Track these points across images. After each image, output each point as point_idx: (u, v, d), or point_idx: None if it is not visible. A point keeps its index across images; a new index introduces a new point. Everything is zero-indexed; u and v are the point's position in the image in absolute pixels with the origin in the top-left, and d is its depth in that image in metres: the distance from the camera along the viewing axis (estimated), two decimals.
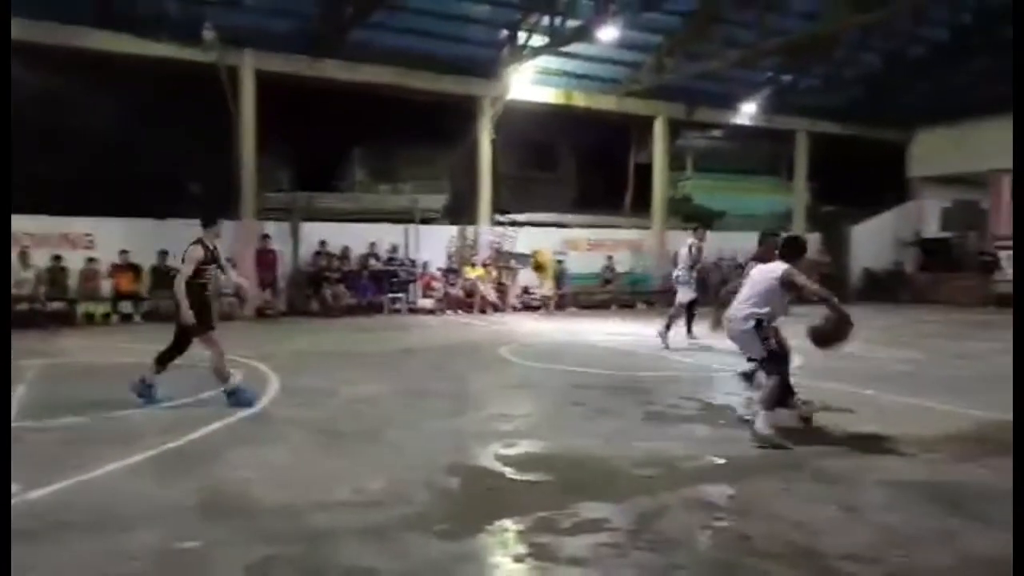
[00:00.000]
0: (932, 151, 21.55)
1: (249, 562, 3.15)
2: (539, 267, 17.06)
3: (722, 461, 4.75)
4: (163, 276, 14.11)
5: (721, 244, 20.30)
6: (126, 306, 13.60)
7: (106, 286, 13.64)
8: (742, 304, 5.49)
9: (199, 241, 6.24)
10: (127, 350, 8.52)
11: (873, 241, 21.76)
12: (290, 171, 18.85)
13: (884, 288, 20.38)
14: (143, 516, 3.68)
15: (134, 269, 13.83)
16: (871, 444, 5.22)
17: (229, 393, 6.23)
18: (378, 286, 16.01)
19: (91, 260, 13.63)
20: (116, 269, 13.64)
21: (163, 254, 14.13)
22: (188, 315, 6.05)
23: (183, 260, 6.20)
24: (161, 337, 8.96)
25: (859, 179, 21.65)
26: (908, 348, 8.95)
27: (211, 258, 6.28)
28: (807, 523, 3.64)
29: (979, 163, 19.94)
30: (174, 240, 14.26)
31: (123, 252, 13.71)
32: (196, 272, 6.12)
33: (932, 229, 22.22)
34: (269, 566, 3.13)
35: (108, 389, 7.13)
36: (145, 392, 6.25)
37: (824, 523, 3.66)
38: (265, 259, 15.15)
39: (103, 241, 13.92)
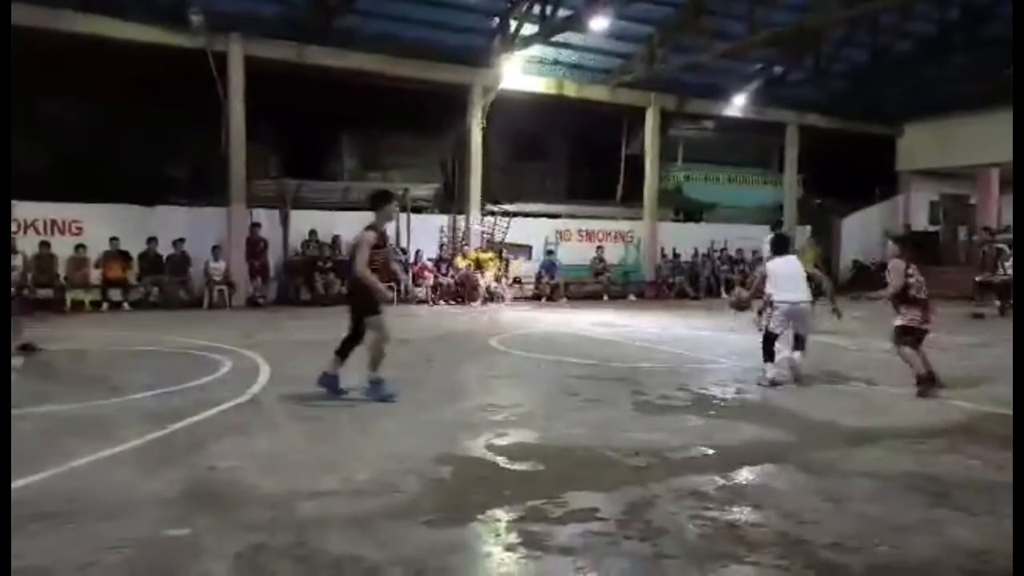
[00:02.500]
0: (920, 145, 21.67)
1: (238, 550, 3.14)
2: (479, 264, 16.39)
3: (711, 451, 4.77)
4: (152, 263, 14.06)
5: (713, 236, 20.40)
6: (115, 294, 13.53)
7: (95, 273, 13.54)
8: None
9: (372, 226, 6.18)
10: (115, 338, 8.47)
11: (862, 234, 21.87)
12: (279, 158, 18.71)
13: (872, 280, 20.47)
14: (129, 505, 3.66)
15: (123, 256, 13.73)
16: (858, 435, 5.25)
17: (372, 382, 6.13)
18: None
19: (80, 247, 13.51)
20: (105, 256, 13.54)
21: (152, 241, 14.04)
22: (385, 293, 6.14)
23: (355, 246, 6.15)
24: (150, 324, 8.95)
25: (849, 172, 21.76)
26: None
27: (382, 242, 6.27)
28: (794, 513, 3.66)
29: (967, 158, 20.07)
30: (163, 227, 14.28)
31: (112, 239, 13.61)
32: (369, 257, 6.06)
33: (921, 223, 22.35)
34: (258, 554, 3.12)
35: (94, 377, 7.09)
36: (330, 383, 6.17)
37: (811, 513, 3.68)
38: (255, 247, 15.08)
39: (92, 228, 13.81)
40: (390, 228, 16.36)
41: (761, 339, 7.21)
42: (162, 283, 14.06)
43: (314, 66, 15.21)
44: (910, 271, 6.89)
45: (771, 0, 14.72)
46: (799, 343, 7.20)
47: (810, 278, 7.44)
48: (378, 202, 6.35)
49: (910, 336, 6.81)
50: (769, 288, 7.15)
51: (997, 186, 20.45)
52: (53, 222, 13.66)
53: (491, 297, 16.28)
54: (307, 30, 14.53)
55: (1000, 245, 16.64)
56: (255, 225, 15.14)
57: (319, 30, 14.56)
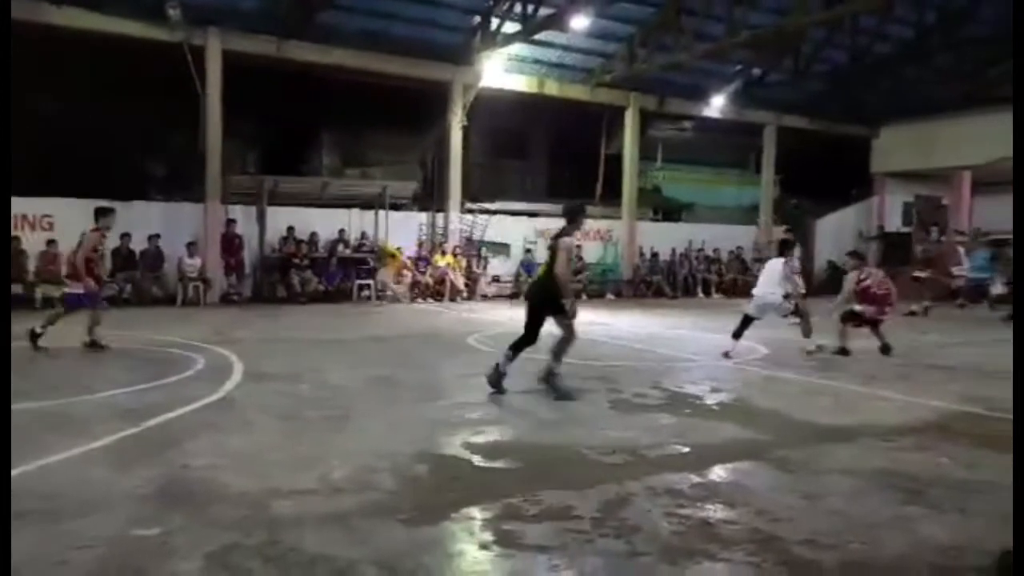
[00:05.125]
0: (895, 147, 21.97)
1: (209, 549, 3.10)
2: (387, 259, 16.12)
3: (686, 449, 4.80)
4: (126, 259, 13.87)
5: (691, 235, 20.53)
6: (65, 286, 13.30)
7: (66, 269, 13.31)
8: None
9: (567, 233, 6.52)
10: (72, 335, 8.36)
11: (837, 235, 22.11)
12: (257, 154, 18.55)
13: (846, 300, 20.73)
14: (100, 503, 3.61)
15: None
16: (832, 433, 5.31)
17: (553, 375, 6.39)
18: (346, 273, 15.89)
19: (51, 242, 13.30)
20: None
21: (126, 236, 13.86)
22: (574, 308, 6.40)
23: (556, 250, 6.38)
24: (122, 321, 8.83)
25: (825, 173, 21.99)
26: (867, 339, 9.12)
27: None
28: (769, 510, 3.69)
29: (941, 160, 20.38)
30: (138, 223, 14.08)
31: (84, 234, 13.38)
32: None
33: (894, 224, 22.65)
34: (230, 553, 3.08)
35: (65, 374, 6.99)
36: (498, 379, 6.42)
37: (785, 510, 3.71)
38: (230, 243, 14.95)
39: (63, 223, 13.59)
40: (368, 225, 16.43)
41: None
42: (135, 279, 13.88)
43: (294, 61, 15.10)
44: (863, 277, 8.91)
45: (751, 1, 14.84)
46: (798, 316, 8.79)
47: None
48: (576, 213, 6.80)
49: (856, 319, 8.92)
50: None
51: (969, 188, 20.78)
52: (24, 216, 13.44)
53: (463, 295, 16.27)
54: (287, 25, 14.41)
55: (966, 247, 16.97)
56: (231, 221, 15.00)
57: (299, 25, 14.45)
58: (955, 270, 16.92)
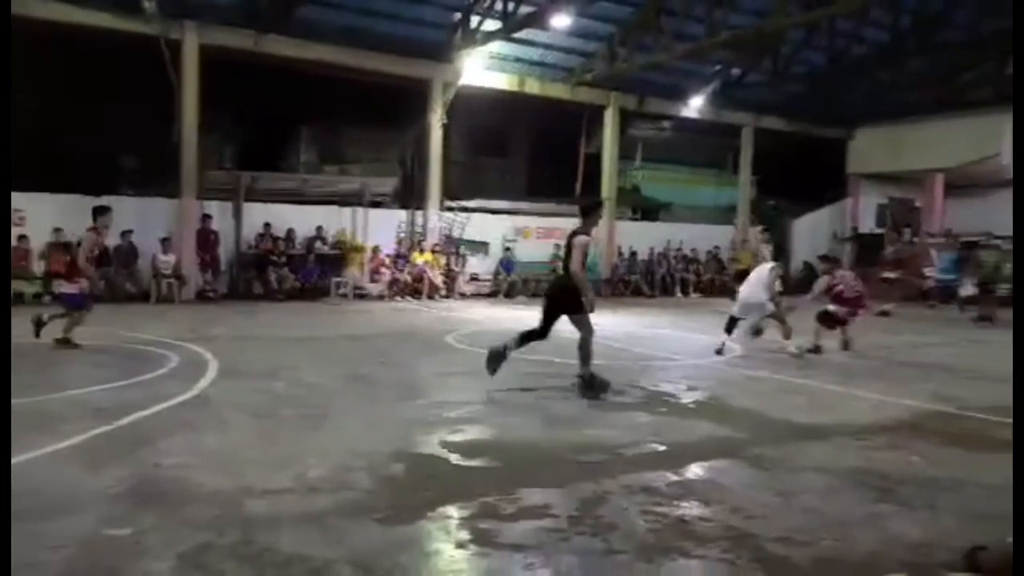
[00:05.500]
0: (870, 150, 22.26)
1: (182, 549, 3.07)
2: (347, 256, 16.00)
3: (663, 448, 4.83)
4: (98, 256, 13.63)
5: (669, 235, 20.64)
6: (59, 286, 13.09)
7: (38, 265, 13.11)
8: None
9: (584, 231, 6.52)
10: (58, 331, 8.22)
11: (813, 235, 22.35)
12: (233, 150, 18.35)
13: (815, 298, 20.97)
14: (70, 503, 3.56)
15: (67, 247, 13.30)
16: (806, 431, 5.38)
17: (584, 378, 6.39)
18: (324, 270, 15.79)
19: (22, 238, 13.08)
20: (49, 247, 13.12)
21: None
22: (593, 303, 6.50)
23: (572, 248, 6.43)
24: (95, 318, 8.70)
25: (801, 175, 22.22)
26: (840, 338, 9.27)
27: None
28: (743, 508, 3.73)
29: (914, 162, 20.67)
30: (111, 218, 13.81)
31: (56, 229, 13.19)
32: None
33: (868, 225, 22.93)
34: (203, 553, 3.06)
35: (38, 372, 6.87)
36: (498, 359, 6.53)
37: (759, 508, 3.75)
38: (206, 240, 14.79)
39: (35, 218, 13.37)
40: (347, 222, 16.34)
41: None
42: (108, 276, 13.67)
43: (272, 56, 14.95)
44: (835, 283, 9.28)
45: (730, 3, 14.94)
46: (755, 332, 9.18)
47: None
48: (593, 209, 6.86)
49: (829, 319, 9.25)
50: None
51: (941, 191, 21.10)
52: None
53: (442, 294, 16.24)
54: (266, 19, 14.26)
55: (939, 249, 17.26)
56: (206, 217, 14.84)
57: (278, 19, 14.31)
58: (927, 271, 17.22)
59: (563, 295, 6.54)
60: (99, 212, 8.47)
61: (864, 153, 22.49)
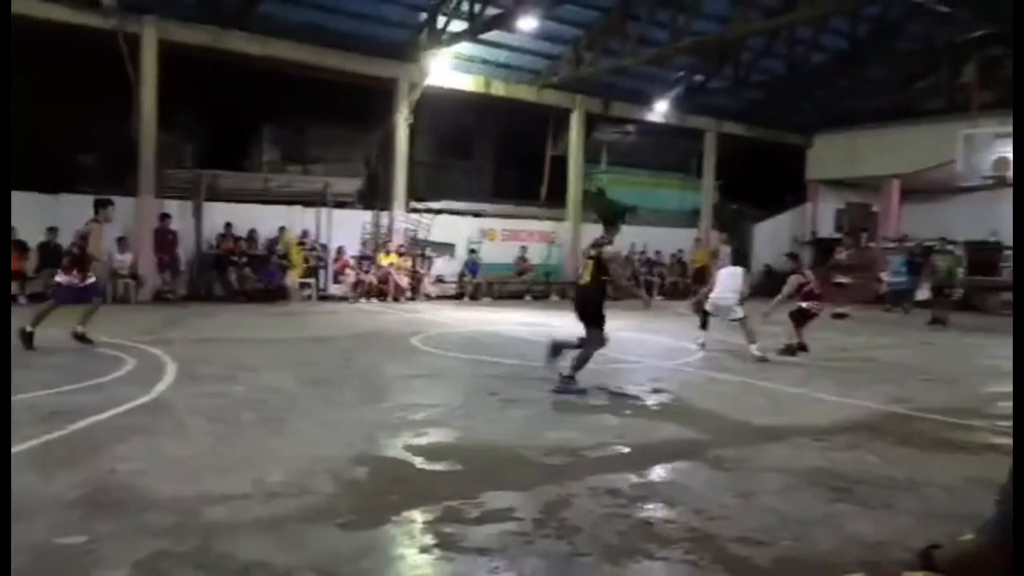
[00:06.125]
0: (828, 156, 22.71)
1: (137, 557, 2.99)
2: (287, 256, 15.64)
3: (627, 450, 4.85)
4: (52, 254, 13.29)
5: (633, 238, 20.78)
6: (11, 286, 12.74)
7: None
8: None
9: (609, 241, 6.70)
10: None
11: (773, 240, 22.71)
12: (194, 148, 18.02)
13: (782, 284, 21.31)
14: (22, 511, 3.43)
15: (20, 247, 12.96)
16: (766, 432, 5.45)
17: (566, 378, 6.57)
18: (286, 271, 15.59)
19: None
20: None
21: (52, 231, 13.32)
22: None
23: (601, 261, 6.55)
24: (50, 319, 8.46)
25: (763, 180, 22.59)
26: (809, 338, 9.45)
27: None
28: (705, 509, 3.76)
29: (870, 169, 21.13)
30: (65, 216, 13.47)
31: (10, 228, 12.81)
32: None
33: (827, 230, 23.38)
34: (159, 561, 2.98)
35: None
36: (570, 388, 6.55)
37: (721, 509, 3.79)
38: (164, 239, 14.49)
39: None
40: (310, 222, 16.15)
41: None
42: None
43: (233, 53, 14.73)
44: (805, 282, 9.49)
45: (694, 9, 15.14)
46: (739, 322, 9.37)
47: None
48: (616, 219, 7.08)
49: (803, 317, 9.39)
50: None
51: (897, 196, 21.60)
52: None
53: (407, 296, 16.15)
54: (227, 14, 14.05)
55: (894, 254, 17.69)
56: (165, 216, 14.55)
57: (240, 15, 14.10)
58: (884, 275, 17.64)
59: (586, 306, 6.68)
60: (101, 205, 8.48)
61: (822, 159, 22.94)
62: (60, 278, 8.33)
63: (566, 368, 6.64)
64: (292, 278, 15.45)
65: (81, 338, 8.20)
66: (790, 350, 9.28)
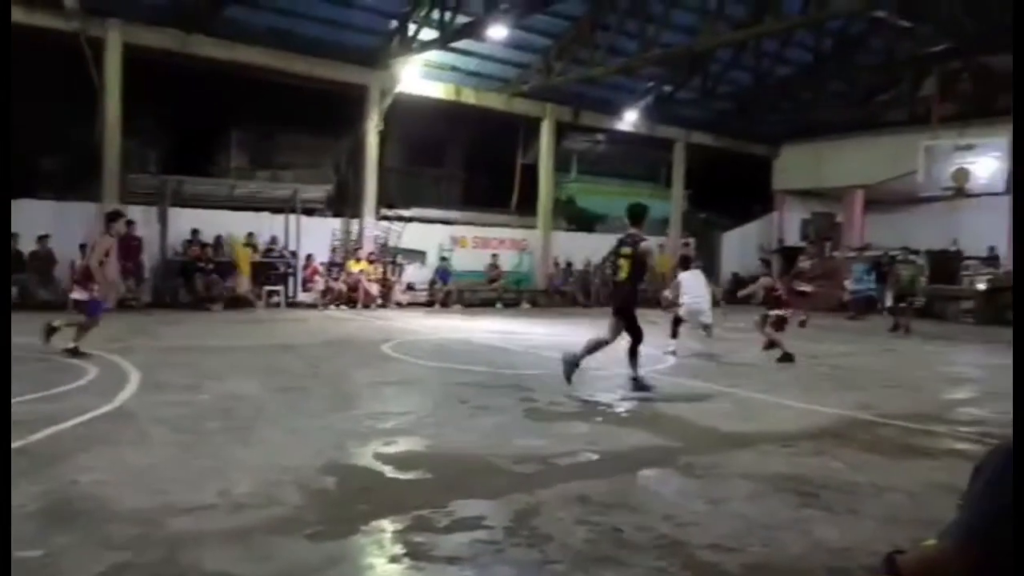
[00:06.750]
0: (793, 166, 23.13)
1: (98, 570, 2.92)
2: (237, 261, 15.32)
3: (597, 457, 4.86)
4: (12, 260, 12.98)
5: (604, 246, 20.85)
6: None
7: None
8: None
9: (643, 236, 6.94)
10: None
11: (741, 248, 23.02)
12: (159, 153, 17.76)
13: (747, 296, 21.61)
14: None
15: None
16: (735, 439, 5.50)
17: (569, 363, 6.89)
18: (255, 278, 15.41)
19: None
20: None
21: (12, 236, 13.01)
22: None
23: (636, 256, 6.79)
24: (12, 326, 8.24)
25: (730, 189, 22.90)
26: (758, 347, 9.58)
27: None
28: (675, 516, 3.78)
29: (835, 179, 21.54)
30: (27, 222, 13.19)
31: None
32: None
33: (793, 239, 23.76)
34: (120, 574, 2.91)
35: None
36: (644, 386, 6.88)
37: (691, 515, 3.81)
38: (128, 246, 14.21)
39: None
40: (279, 229, 15.99)
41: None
42: (22, 282, 13.04)
43: (200, 57, 14.58)
44: (776, 287, 9.85)
45: (663, 20, 15.33)
46: (705, 329, 9.77)
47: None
48: (643, 215, 7.23)
49: (781, 324, 9.62)
50: (682, 291, 9.69)
51: (861, 206, 22.03)
52: None
53: (378, 303, 16.06)
54: (193, 18, 13.89)
55: (858, 262, 18.01)
56: (129, 222, 14.25)
57: (206, 19, 13.97)
58: (847, 283, 17.97)
59: (626, 302, 6.94)
60: (112, 218, 8.47)
61: (788, 170, 23.34)
62: (77, 294, 8.26)
63: (576, 356, 6.93)
64: (241, 283, 15.15)
65: (75, 352, 7.98)
66: (785, 357, 9.30)
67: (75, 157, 15.39)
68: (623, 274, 6.86)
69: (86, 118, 13.92)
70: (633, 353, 6.96)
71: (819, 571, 3.21)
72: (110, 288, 8.19)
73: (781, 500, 4.12)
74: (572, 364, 6.97)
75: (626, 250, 6.81)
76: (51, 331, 8.13)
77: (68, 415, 5.32)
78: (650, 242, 6.91)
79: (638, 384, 6.93)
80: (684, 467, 4.70)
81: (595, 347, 6.97)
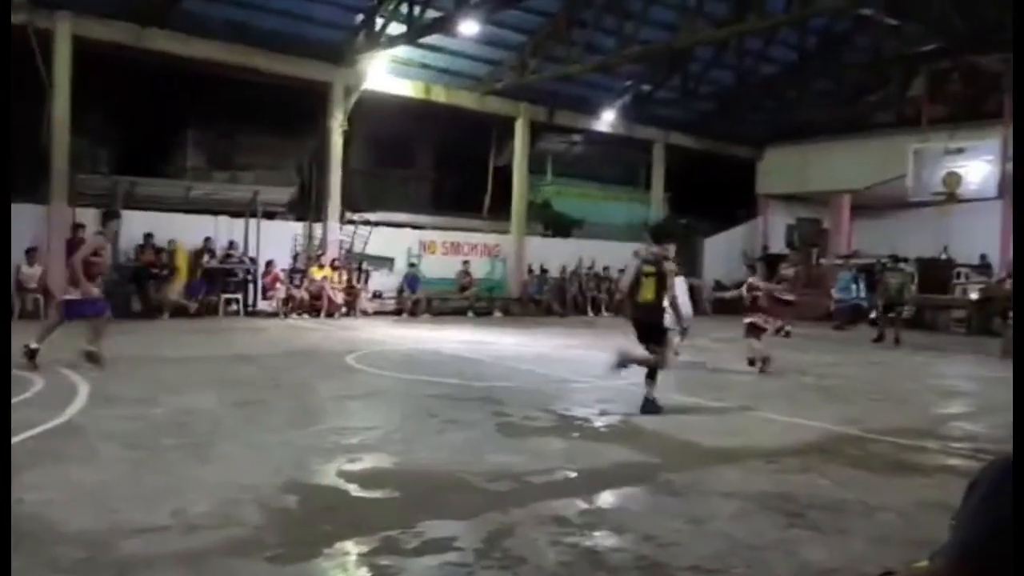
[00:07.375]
0: (778, 170, 23.37)
1: None
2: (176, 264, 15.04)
3: (574, 475, 4.87)
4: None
5: (580, 252, 20.96)
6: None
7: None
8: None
9: (670, 256, 6.96)
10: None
11: (724, 254, 23.21)
12: (111, 153, 17.54)
13: (732, 300, 21.78)
14: None
15: None
16: (718, 455, 5.54)
17: (648, 400, 6.81)
18: (212, 285, 15.24)
19: None
20: None
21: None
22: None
23: (660, 276, 6.81)
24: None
25: (712, 193, 23.08)
26: (740, 357, 9.68)
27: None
28: (655, 536, 3.79)
29: (821, 184, 21.82)
30: None
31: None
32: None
33: (778, 245, 24.03)
34: None
35: None
36: (655, 409, 6.77)
37: (672, 535, 3.82)
38: (76, 250, 14.00)
39: None
40: (237, 233, 15.84)
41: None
42: None
43: (154, 52, 14.41)
44: (757, 288, 10.12)
45: (642, 16, 15.46)
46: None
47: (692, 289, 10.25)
48: (674, 233, 7.44)
49: (757, 331, 9.76)
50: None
51: (848, 211, 22.35)
52: None
53: (342, 311, 15.97)
54: (147, 11, 13.74)
55: (846, 270, 18.25)
56: (78, 226, 14.07)
57: (161, 12, 13.82)
58: (833, 292, 18.20)
59: (654, 324, 6.95)
60: (107, 217, 8.54)
61: (772, 173, 23.59)
62: (68, 295, 8.33)
63: (646, 393, 6.88)
64: (174, 288, 14.81)
65: (91, 357, 8.02)
66: (764, 363, 9.54)
67: (19, 157, 15.11)
68: (649, 294, 6.86)
69: (33, 115, 13.69)
70: (652, 374, 6.92)
71: None
72: (88, 289, 8.10)
73: (766, 519, 4.15)
74: (623, 363, 6.96)
75: (649, 268, 6.84)
76: (91, 356, 8.11)
77: (13, 430, 5.20)
78: (673, 265, 6.93)
79: (650, 405, 6.83)
80: (665, 484, 4.72)
81: (653, 371, 6.89)
